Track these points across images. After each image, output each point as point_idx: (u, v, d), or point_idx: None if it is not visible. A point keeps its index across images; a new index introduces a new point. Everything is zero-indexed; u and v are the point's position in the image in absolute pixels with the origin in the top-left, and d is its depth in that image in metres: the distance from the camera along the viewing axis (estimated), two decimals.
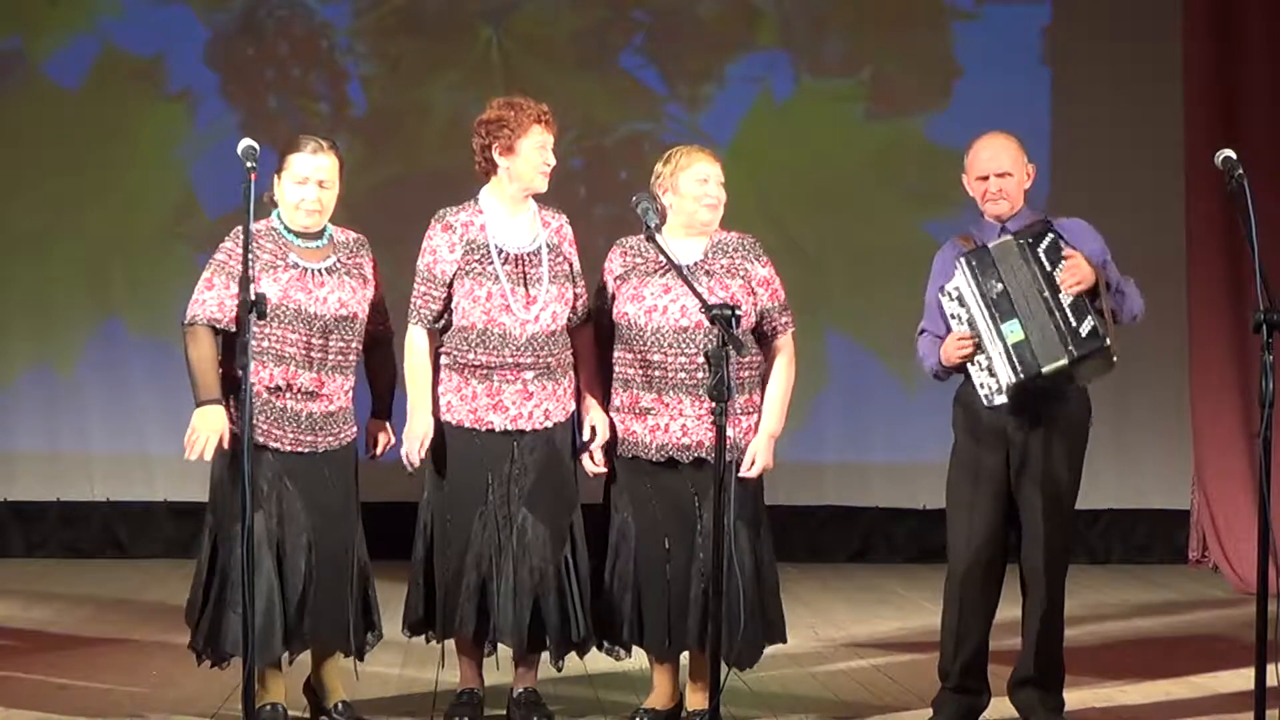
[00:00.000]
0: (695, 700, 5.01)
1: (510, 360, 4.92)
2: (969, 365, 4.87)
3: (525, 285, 4.93)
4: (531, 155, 4.96)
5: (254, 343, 4.57)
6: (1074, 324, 4.71)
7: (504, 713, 5.05)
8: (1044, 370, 4.73)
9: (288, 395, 4.77)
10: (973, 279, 4.81)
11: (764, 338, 5.03)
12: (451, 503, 4.96)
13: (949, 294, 4.88)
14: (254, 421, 4.63)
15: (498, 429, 4.93)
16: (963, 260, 4.85)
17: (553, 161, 5.00)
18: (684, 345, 4.88)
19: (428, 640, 5.08)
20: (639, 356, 4.94)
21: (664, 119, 8.80)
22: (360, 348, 4.94)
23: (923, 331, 5.07)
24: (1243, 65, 8.27)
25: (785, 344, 5.05)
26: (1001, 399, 4.81)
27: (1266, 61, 8.23)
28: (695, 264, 4.96)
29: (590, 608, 5.00)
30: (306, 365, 4.78)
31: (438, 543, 4.97)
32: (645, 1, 8.86)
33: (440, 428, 4.97)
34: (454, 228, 4.98)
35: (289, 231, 4.86)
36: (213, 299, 4.77)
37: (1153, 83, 8.65)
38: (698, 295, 4.66)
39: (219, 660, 4.83)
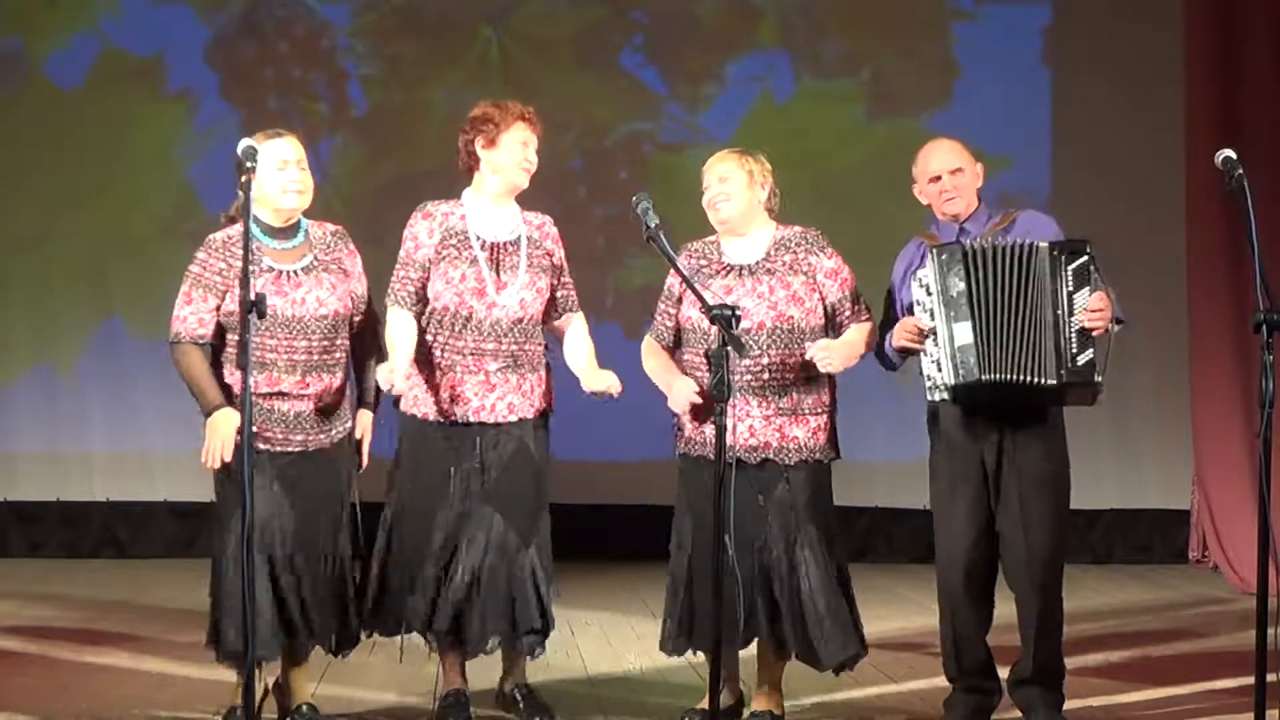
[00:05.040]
0: (759, 701, 5.02)
1: (474, 347, 4.91)
2: (921, 357, 4.89)
3: (499, 271, 4.94)
4: (513, 149, 4.97)
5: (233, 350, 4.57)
6: (1075, 350, 4.72)
7: (495, 713, 5.05)
8: (983, 379, 4.74)
9: (275, 397, 4.76)
10: (938, 274, 4.82)
11: (841, 330, 5.02)
12: (415, 497, 4.92)
13: (919, 280, 4.90)
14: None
15: (459, 420, 4.91)
16: (933, 252, 4.86)
17: (534, 160, 5.00)
18: (747, 348, 4.78)
19: (372, 634, 5.00)
20: (705, 360, 4.86)
21: (664, 119, 8.81)
22: (346, 343, 4.91)
23: (883, 323, 5.09)
24: (1243, 65, 8.28)
25: (867, 323, 5.04)
26: (942, 395, 4.85)
27: (1267, 61, 8.24)
28: (757, 263, 4.96)
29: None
30: (290, 369, 4.76)
31: (396, 538, 4.93)
32: (645, 1, 8.87)
33: (408, 424, 4.96)
34: (434, 216, 5.00)
35: (264, 234, 4.81)
36: (192, 316, 4.78)
37: (1153, 83, 8.66)
38: (698, 295, 4.66)
39: (228, 659, 4.76)
